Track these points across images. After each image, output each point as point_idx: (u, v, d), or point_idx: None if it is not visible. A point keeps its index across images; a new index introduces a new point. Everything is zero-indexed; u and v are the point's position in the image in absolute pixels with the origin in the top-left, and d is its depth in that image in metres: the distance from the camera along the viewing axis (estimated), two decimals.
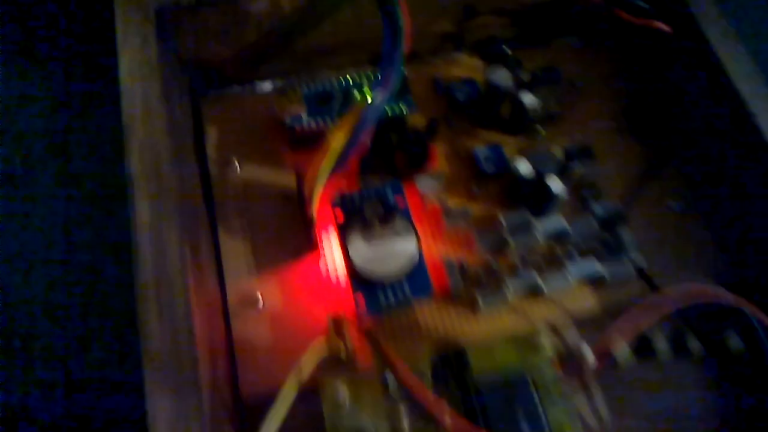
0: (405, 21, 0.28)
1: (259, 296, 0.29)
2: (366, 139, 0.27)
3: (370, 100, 0.27)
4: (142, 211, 0.23)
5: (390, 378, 0.24)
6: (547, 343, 0.26)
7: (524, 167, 0.30)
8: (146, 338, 0.22)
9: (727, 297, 0.27)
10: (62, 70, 0.34)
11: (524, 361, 0.25)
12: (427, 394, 0.24)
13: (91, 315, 0.29)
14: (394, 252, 0.28)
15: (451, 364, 0.25)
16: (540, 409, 0.24)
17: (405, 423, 0.24)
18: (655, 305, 0.25)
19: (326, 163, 0.27)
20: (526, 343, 0.26)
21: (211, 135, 0.33)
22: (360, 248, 0.28)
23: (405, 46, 0.28)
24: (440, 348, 0.26)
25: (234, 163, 0.32)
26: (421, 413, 0.23)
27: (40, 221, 0.32)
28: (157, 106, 0.26)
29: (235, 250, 0.30)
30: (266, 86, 0.35)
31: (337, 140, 0.27)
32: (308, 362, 0.25)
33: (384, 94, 0.27)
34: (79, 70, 0.34)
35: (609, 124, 0.35)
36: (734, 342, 0.30)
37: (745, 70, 0.30)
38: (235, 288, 0.29)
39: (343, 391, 0.24)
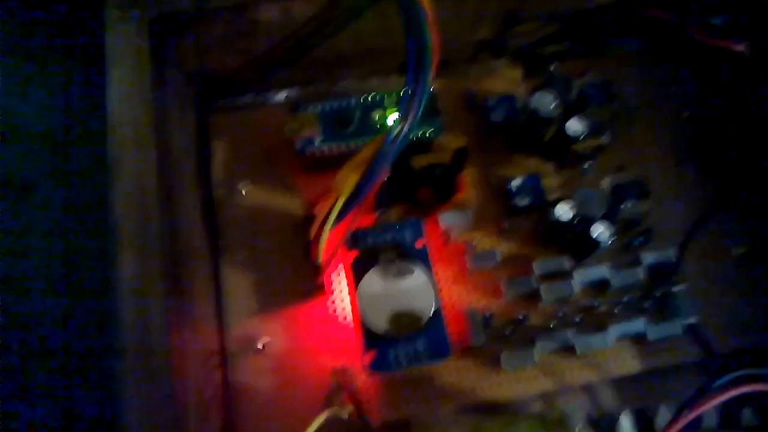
0: (433, 38, 0.24)
1: (262, 340, 0.27)
2: (383, 177, 0.24)
3: (390, 134, 0.23)
4: (125, 268, 0.21)
5: None
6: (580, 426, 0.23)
7: (563, 211, 0.26)
8: (125, 410, 0.20)
9: None
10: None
11: None
12: None
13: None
14: (410, 306, 0.25)
15: None
16: None
17: None
18: (705, 400, 0.22)
19: (335, 208, 0.24)
20: (551, 424, 0.23)
21: (218, 155, 0.30)
22: (371, 299, 0.25)
23: (433, 68, 0.24)
24: None
25: (240, 189, 0.29)
26: None
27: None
28: (148, 138, 0.23)
29: (237, 287, 0.27)
30: (281, 96, 0.32)
31: (348, 182, 0.24)
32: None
33: (406, 127, 0.23)
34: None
35: (668, 154, 0.31)
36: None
37: None
38: (235, 330, 0.27)
39: None
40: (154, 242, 0.22)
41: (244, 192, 0.29)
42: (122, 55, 0.24)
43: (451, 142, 0.31)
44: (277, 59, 0.30)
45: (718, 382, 0.22)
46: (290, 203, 0.29)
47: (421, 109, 0.24)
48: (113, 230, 0.21)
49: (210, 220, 0.28)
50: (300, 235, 0.28)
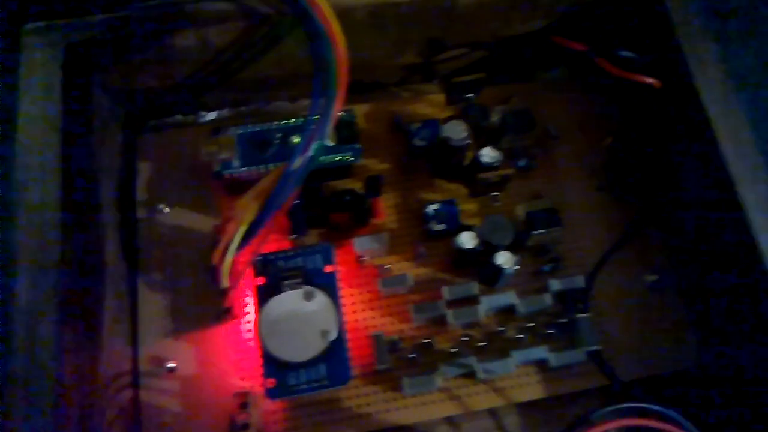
0: (340, 68, 0.25)
1: (174, 361, 0.27)
2: (287, 203, 0.25)
3: (290, 164, 0.24)
4: (18, 291, 0.22)
5: None
6: None
7: (466, 239, 0.27)
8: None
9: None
10: None
11: None
12: None
13: None
14: (311, 332, 0.25)
15: None
16: None
17: None
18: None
19: (237, 235, 0.24)
20: None
21: (143, 175, 0.30)
22: (272, 325, 0.25)
23: (338, 98, 0.25)
24: None
25: (162, 209, 0.29)
26: None
27: None
28: (55, 162, 0.24)
29: (153, 308, 0.28)
30: (209, 117, 0.32)
31: (249, 210, 0.24)
32: None
33: (306, 157, 0.24)
34: None
35: (587, 181, 0.31)
36: None
37: (736, 136, 0.26)
38: (148, 351, 0.27)
39: None
40: (53, 266, 0.22)
41: (166, 212, 0.29)
42: (35, 80, 0.25)
43: (374, 165, 0.31)
44: (199, 83, 0.30)
45: (597, 414, 0.23)
46: (209, 225, 0.29)
47: (324, 138, 0.24)
48: (10, 253, 0.22)
49: (130, 240, 0.29)
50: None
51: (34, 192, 0.23)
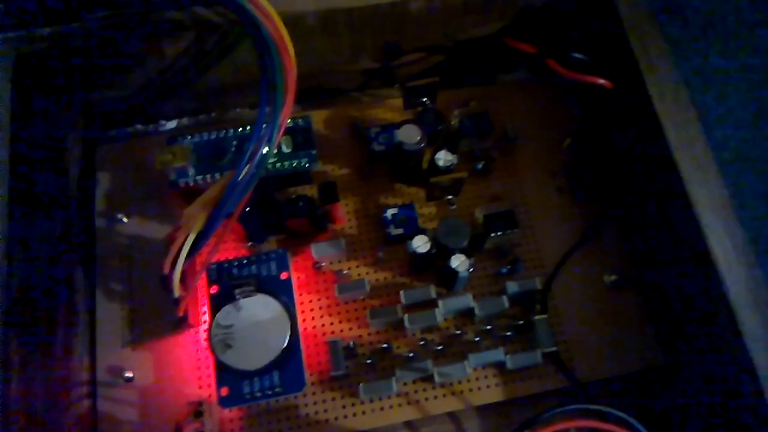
0: (287, 75, 0.25)
1: (131, 370, 0.27)
2: (238, 209, 0.25)
3: (237, 172, 0.24)
4: None
5: None
6: None
7: (420, 243, 0.27)
8: None
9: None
10: None
11: None
12: None
13: None
14: (264, 340, 0.25)
15: None
16: None
17: None
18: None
19: (185, 245, 0.24)
20: None
21: (102, 185, 0.30)
22: (225, 333, 0.25)
23: (286, 106, 0.25)
24: None
25: (121, 219, 0.29)
26: None
27: None
28: (4, 175, 0.24)
29: (111, 317, 0.28)
30: (169, 126, 0.33)
31: (197, 219, 0.24)
32: None
33: (249, 168, 0.24)
34: None
35: (547, 183, 0.32)
36: None
37: (687, 136, 0.26)
38: (106, 360, 0.27)
39: None
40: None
41: (124, 222, 0.29)
42: None
43: (334, 170, 0.32)
44: (156, 92, 0.30)
45: (547, 414, 0.23)
46: (165, 237, 0.29)
47: (272, 146, 0.24)
48: None
49: (88, 250, 0.29)
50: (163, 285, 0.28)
51: None
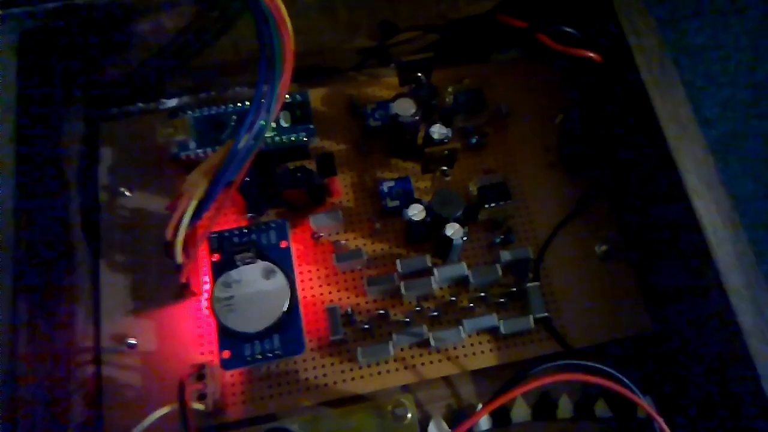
0: (285, 47, 0.25)
1: (134, 337, 0.28)
2: (239, 177, 0.25)
3: (237, 141, 0.25)
4: None
5: None
6: (412, 410, 0.24)
7: (415, 211, 0.28)
8: None
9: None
10: None
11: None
12: None
13: None
14: (265, 305, 0.26)
15: None
16: None
17: None
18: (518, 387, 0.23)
19: (188, 209, 0.25)
20: (386, 414, 0.24)
21: (105, 160, 0.31)
22: (227, 298, 0.26)
23: (284, 78, 0.25)
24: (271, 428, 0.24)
25: (124, 192, 0.30)
26: None
27: None
28: (9, 149, 0.24)
29: (115, 286, 0.29)
30: (170, 104, 0.33)
31: (199, 186, 0.25)
32: (151, 418, 0.23)
33: (248, 138, 0.25)
34: None
35: (539, 157, 0.32)
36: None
37: (673, 110, 0.27)
38: (110, 328, 0.28)
39: None
40: (6, 246, 0.23)
41: (127, 195, 0.30)
42: None
43: (332, 146, 0.32)
44: (157, 69, 0.31)
45: (534, 370, 0.24)
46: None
47: (270, 118, 0.25)
48: None
49: (93, 221, 0.30)
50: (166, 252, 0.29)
51: None
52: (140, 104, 0.33)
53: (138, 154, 0.31)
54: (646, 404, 0.24)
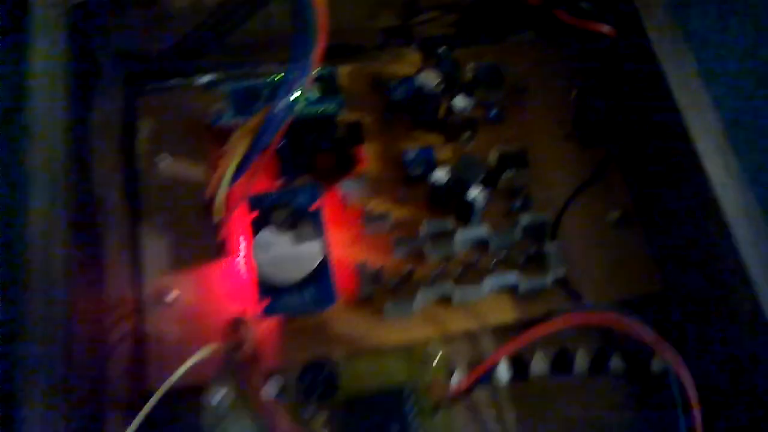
0: (320, 17, 0.27)
1: (174, 293, 0.29)
2: (273, 142, 0.27)
3: (275, 105, 0.27)
4: (32, 212, 0.24)
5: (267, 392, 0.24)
6: (437, 355, 0.26)
7: (439, 174, 0.29)
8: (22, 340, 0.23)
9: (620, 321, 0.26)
10: None
11: (407, 374, 0.25)
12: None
13: None
14: (299, 258, 0.28)
15: (319, 375, 0.25)
16: (416, 426, 0.24)
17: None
18: (542, 330, 0.25)
19: (229, 168, 0.27)
20: (415, 357, 0.26)
21: (143, 131, 0.33)
22: (265, 252, 0.28)
23: (318, 48, 0.27)
24: (312, 359, 0.26)
25: (163, 159, 0.32)
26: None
27: None
28: (62, 107, 0.26)
29: (154, 246, 0.30)
30: (204, 80, 0.35)
31: (240, 145, 0.27)
32: (193, 360, 0.25)
33: (286, 100, 0.26)
34: None
35: (555, 131, 0.34)
36: (659, 363, 0.29)
37: (686, 83, 0.29)
38: (149, 283, 0.30)
39: (224, 395, 0.24)
40: (63, 196, 0.25)
41: (164, 164, 0.32)
42: (43, 37, 0.28)
43: (357, 119, 0.34)
44: (193, 46, 0.33)
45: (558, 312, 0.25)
46: (205, 174, 0.32)
47: (304, 83, 0.27)
48: (23, 179, 0.24)
49: (132, 186, 0.31)
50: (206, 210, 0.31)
51: (43, 143, 0.26)
52: (176, 79, 0.35)
53: (174, 124, 0.33)
54: (663, 344, 0.25)
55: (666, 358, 0.25)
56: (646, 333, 0.25)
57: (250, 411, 0.24)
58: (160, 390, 0.24)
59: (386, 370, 0.25)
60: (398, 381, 0.25)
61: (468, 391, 0.27)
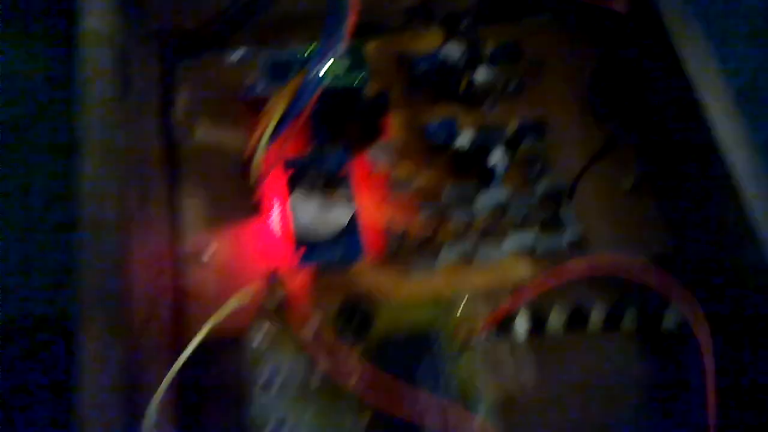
0: None
1: (210, 250, 0.31)
2: (306, 108, 0.29)
3: (310, 70, 0.28)
4: (87, 164, 0.26)
5: (308, 330, 0.26)
6: (464, 305, 0.27)
7: (463, 139, 0.31)
8: (81, 275, 0.24)
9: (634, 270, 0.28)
10: None
11: (436, 319, 0.27)
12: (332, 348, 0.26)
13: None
14: (331, 215, 0.29)
15: (356, 311, 0.27)
16: (442, 367, 0.25)
17: (316, 370, 0.26)
18: (557, 275, 0.27)
19: (266, 130, 0.29)
20: (441, 304, 0.27)
21: (180, 100, 0.35)
22: (300, 209, 0.29)
23: (350, 20, 0.29)
24: (350, 298, 0.27)
25: (198, 127, 0.34)
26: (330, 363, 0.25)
27: None
28: (111, 71, 0.28)
29: (191, 208, 0.32)
30: (238, 54, 0.37)
31: (276, 109, 0.28)
32: (232, 304, 0.27)
33: (319, 67, 0.28)
34: None
35: (571, 104, 0.36)
36: (669, 320, 0.31)
37: (698, 54, 0.30)
38: (188, 242, 0.32)
39: (265, 335, 0.26)
40: (114, 149, 0.27)
41: (201, 131, 0.34)
42: (93, 8, 0.30)
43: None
44: (230, 20, 0.35)
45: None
46: (239, 140, 0.34)
47: (337, 52, 0.29)
48: (77, 136, 0.26)
49: (170, 151, 0.33)
50: (243, 172, 0.33)
51: (96, 92, 0.28)
52: (210, 53, 0.37)
53: (209, 95, 0.35)
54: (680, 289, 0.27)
55: (681, 304, 0.27)
56: (659, 278, 0.27)
57: (290, 350, 0.26)
58: (204, 327, 0.26)
59: (415, 316, 0.27)
60: (426, 325, 0.26)
61: (492, 330, 0.29)
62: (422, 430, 0.24)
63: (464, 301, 0.27)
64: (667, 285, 0.27)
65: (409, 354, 0.25)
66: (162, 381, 0.25)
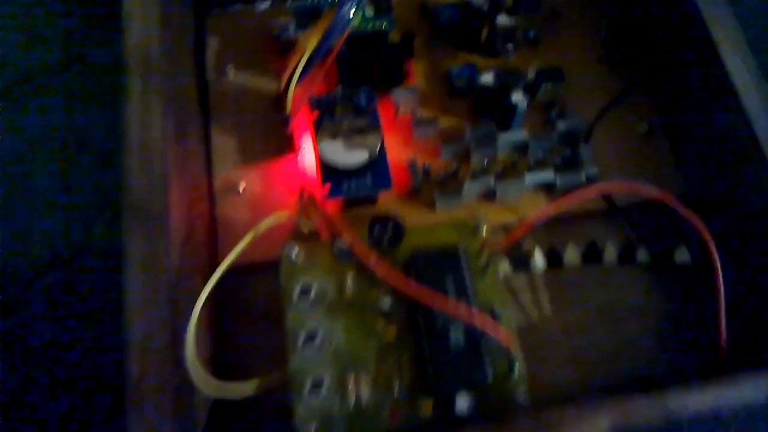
0: None
1: (242, 183, 0.33)
2: (337, 44, 0.30)
3: (341, 7, 0.30)
4: (131, 91, 0.27)
5: (339, 243, 0.27)
6: (485, 228, 0.28)
7: (487, 78, 0.32)
8: (127, 189, 0.26)
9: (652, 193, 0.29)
10: None
11: (461, 240, 0.28)
12: (367, 253, 0.27)
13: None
14: (360, 147, 0.31)
15: (387, 225, 0.28)
16: (468, 280, 0.26)
17: (349, 280, 0.27)
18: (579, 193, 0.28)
19: (300, 63, 0.30)
20: (466, 227, 0.29)
21: (211, 46, 0.36)
22: (329, 142, 0.31)
23: None
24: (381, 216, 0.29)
25: (229, 70, 0.35)
26: (363, 273, 0.27)
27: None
28: (153, 13, 0.29)
29: (224, 144, 0.34)
30: (265, 5, 0.38)
31: (309, 43, 0.30)
32: (268, 221, 0.28)
33: (350, 5, 0.29)
34: None
35: (588, 53, 0.37)
36: (681, 255, 0.32)
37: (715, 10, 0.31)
38: (221, 175, 0.33)
39: (298, 252, 0.27)
40: (157, 81, 0.28)
41: (233, 73, 0.35)
42: None
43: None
44: None
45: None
46: (269, 83, 0.35)
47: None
48: (124, 69, 0.27)
49: (203, 94, 0.35)
50: (275, 107, 0.34)
51: (138, 31, 0.29)
52: (238, 5, 0.38)
53: (240, 41, 0.36)
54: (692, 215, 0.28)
55: (695, 226, 0.28)
56: (673, 201, 0.28)
57: (323, 267, 0.27)
58: (243, 240, 0.27)
59: (441, 236, 0.28)
60: (452, 244, 0.27)
61: (513, 246, 0.31)
62: (448, 340, 0.26)
63: (486, 226, 0.28)
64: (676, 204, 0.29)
65: (438, 267, 0.26)
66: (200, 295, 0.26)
